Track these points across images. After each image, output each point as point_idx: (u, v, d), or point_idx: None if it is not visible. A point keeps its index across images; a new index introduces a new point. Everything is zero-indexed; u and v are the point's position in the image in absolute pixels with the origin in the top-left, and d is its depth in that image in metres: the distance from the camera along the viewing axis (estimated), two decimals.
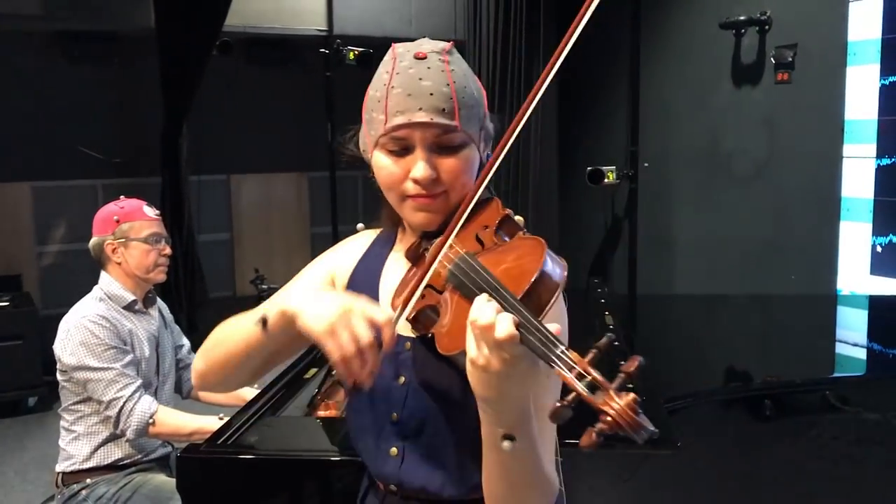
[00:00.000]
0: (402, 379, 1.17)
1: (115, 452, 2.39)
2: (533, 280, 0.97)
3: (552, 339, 0.90)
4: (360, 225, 1.44)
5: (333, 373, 2.19)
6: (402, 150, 1.11)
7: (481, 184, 1.07)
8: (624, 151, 5.56)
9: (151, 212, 2.51)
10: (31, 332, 4.84)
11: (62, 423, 2.44)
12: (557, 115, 6.28)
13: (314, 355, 2.47)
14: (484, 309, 0.92)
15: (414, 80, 1.09)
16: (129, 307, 2.45)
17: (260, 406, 2.03)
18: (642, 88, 5.41)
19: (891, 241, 4.32)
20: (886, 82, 4.28)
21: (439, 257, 1.08)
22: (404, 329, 1.16)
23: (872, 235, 4.40)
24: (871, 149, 4.36)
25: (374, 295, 1.22)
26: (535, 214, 5.84)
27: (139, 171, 5.73)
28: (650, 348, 2.88)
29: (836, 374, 2.79)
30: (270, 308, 1.12)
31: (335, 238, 5.40)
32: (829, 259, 4.61)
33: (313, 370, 2.36)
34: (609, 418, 0.82)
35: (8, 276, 5.41)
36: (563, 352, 0.89)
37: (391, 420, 1.17)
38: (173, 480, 2.10)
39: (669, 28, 5.53)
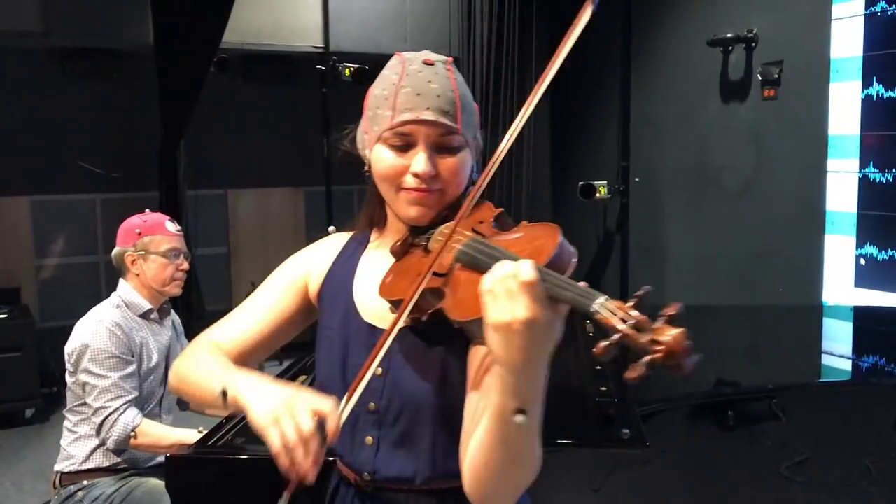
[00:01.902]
0: (380, 370, 1.19)
1: (114, 456, 2.44)
2: (553, 254, 1.01)
3: (586, 290, 0.93)
4: (331, 228, 1.50)
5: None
6: (404, 145, 1.18)
7: (488, 174, 1.11)
8: (615, 166, 5.64)
9: (173, 227, 2.58)
10: (28, 344, 4.87)
11: (66, 423, 2.49)
12: (550, 131, 6.38)
13: (304, 363, 2.53)
14: (503, 264, 0.94)
15: (423, 81, 1.17)
16: (144, 315, 2.52)
17: None
18: (633, 105, 5.50)
19: (872, 254, 4.38)
20: (864, 96, 4.36)
21: (424, 243, 1.14)
22: (378, 320, 1.21)
23: (856, 248, 4.46)
24: (854, 163, 4.43)
25: (348, 293, 1.26)
26: None
27: (137, 186, 5.77)
28: None
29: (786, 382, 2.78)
30: (231, 384, 1.13)
31: None
32: (815, 271, 4.66)
33: (303, 377, 2.42)
34: (661, 346, 0.85)
35: (7, 289, 5.43)
36: (603, 300, 0.91)
37: (368, 410, 1.20)
38: None
39: (659, 46, 5.63)
